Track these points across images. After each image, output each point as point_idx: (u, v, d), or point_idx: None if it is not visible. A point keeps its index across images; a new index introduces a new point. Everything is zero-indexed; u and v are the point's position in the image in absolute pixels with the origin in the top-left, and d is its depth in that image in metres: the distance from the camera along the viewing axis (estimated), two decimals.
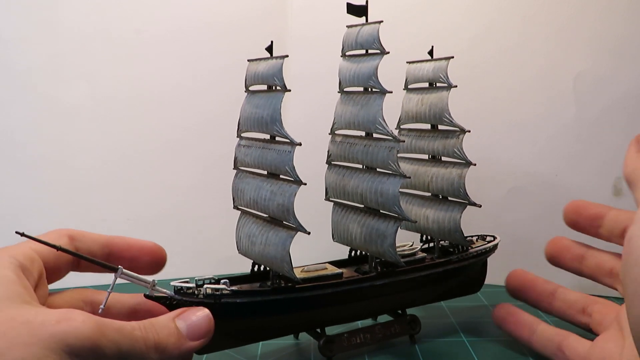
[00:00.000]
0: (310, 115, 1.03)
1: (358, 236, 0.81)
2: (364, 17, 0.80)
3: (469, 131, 0.86)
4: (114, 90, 1.06)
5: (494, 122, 1.10)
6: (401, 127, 0.95)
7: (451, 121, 0.87)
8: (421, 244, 0.93)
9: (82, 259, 0.59)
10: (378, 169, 0.79)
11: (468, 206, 0.87)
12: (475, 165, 0.86)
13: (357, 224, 0.81)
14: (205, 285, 0.67)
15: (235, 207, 0.79)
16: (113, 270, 0.59)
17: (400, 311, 0.83)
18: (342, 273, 0.78)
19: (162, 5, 1.06)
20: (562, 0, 1.07)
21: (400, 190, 0.93)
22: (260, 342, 0.81)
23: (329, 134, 0.84)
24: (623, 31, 1.07)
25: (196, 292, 0.67)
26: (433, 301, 0.89)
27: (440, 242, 0.91)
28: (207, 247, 1.10)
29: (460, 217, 0.86)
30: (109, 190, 1.08)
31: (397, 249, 0.83)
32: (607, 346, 0.68)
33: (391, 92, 0.75)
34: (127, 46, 1.05)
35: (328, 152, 0.85)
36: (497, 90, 1.10)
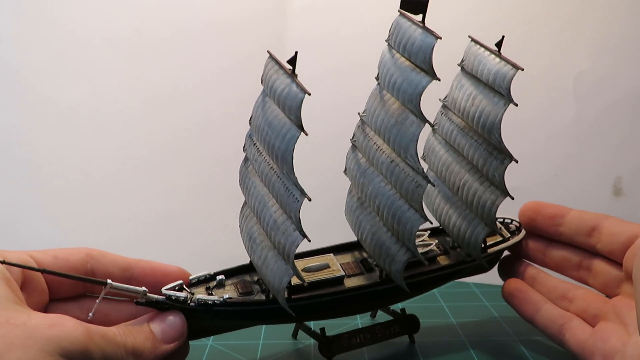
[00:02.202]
0: (311, 115, 1.02)
1: (368, 241, 0.78)
2: (421, 15, 0.70)
3: (517, 161, 0.76)
4: (114, 90, 1.06)
5: None
6: (445, 103, 0.86)
7: (499, 142, 0.76)
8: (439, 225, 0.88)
9: (66, 277, 0.59)
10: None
11: None
12: (513, 199, 0.78)
13: (369, 226, 0.77)
14: (196, 296, 0.65)
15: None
16: (101, 284, 0.60)
17: (399, 310, 0.82)
18: (343, 276, 0.76)
19: (162, 5, 1.05)
20: (562, 0, 1.07)
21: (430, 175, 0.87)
22: (260, 343, 0.82)
23: (358, 114, 0.79)
24: (624, 31, 1.07)
25: (187, 299, 0.65)
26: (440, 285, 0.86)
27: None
28: (207, 247, 1.09)
29: (483, 237, 0.80)
30: (109, 190, 1.08)
31: None
32: (609, 339, 0.68)
33: (431, 125, 0.69)
34: (127, 46, 1.05)
35: (354, 133, 0.80)
36: None
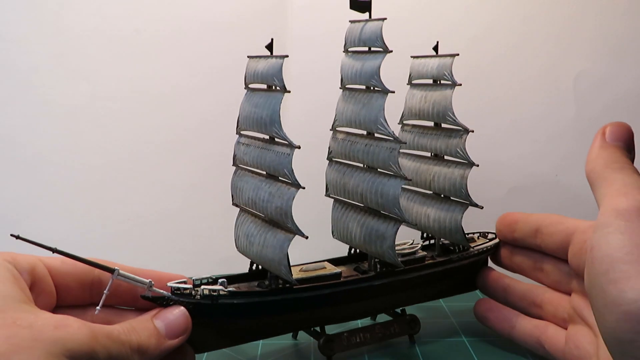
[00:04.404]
0: (311, 115, 1.02)
1: (358, 236, 0.80)
2: (367, 13, 0.79)
3: (472, 131, 0.85)
4: (114, 90, 1.06)
5: (494, 122, 1.10)
6: (404, 122, 0.93)
7: (454, 120, 0.86)
8: (422, 241, 0.92)
9: (76, 259, 0.59)
10: (379, 169, 0.78)
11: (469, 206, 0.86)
12: (477, 166, 0.85)
13: (356, 223, 0.80)
14: (202, 286, 0.67)
15: (235, 204, 0.79)
16: (109, 271, 0.60)
17: (399, 310, 0.83)
18: (340, 273, 0.78)
19: (162, 5, 1.06)
20: (562, 0, 1.07)
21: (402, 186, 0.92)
22: (260, 343, 0.81)
23: (330, 130, 0.84)
24: (623, 31, 1.07)
25: (193, 292, 0.66)
26: (433, 299, 0.89)
27: (441, 240, 0.90)
28: (206, 247, 1.10)
29: (462, 217, 0.85)
30: (109, 190, 1.08)
31: (397, 248, 0.82)
32: (582, 345, 0.68)
33: (393, 92, 0.75)
34: (127, 46, 1.05)
35: (329, 148, 0.84)
36: (497, 90, 1.10)
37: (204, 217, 1.10)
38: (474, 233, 0.95)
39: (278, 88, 0.72)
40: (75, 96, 1.05)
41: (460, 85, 0.86)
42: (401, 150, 0.93)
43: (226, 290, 0.68)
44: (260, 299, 0.70)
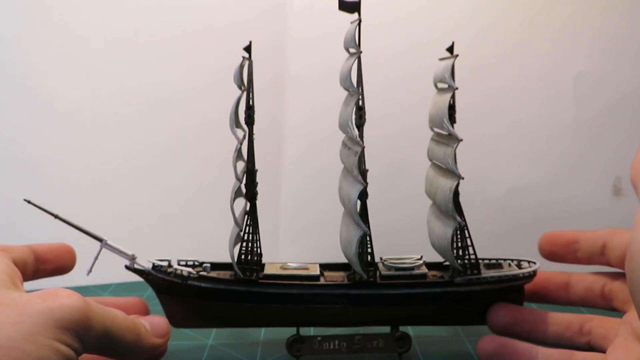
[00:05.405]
0: (311, 116, 1.03)
1: (342, 240, 0.78)
2: (356, 14, 0.78)
3: (461, 140, 0.79)
4: (114, 90, 1.06)
5: (493, 123, 1.10)
6: (433, 129, 0.88)
7: (448, 127, 0.80)
8: (444, 260, 0.83)
9: (75, 227, 0.67)
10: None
11: (465, 207, 0.83)
12: (463, 179, 0.78)
13: (344, 226, 0.79)
14: (175, 266, 0.73)
15: None
16: (99, 240, 0.67)
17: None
18: (318, 276, 0.76)
19: (162, 5, 1.06)
20: (562, 0, 1.07)
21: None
22: (260, 343, 0.82)
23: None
24: (623, 31, 1.07)
25: (169, 270, 0.73)
26: (435, 324, 0.81)
27: (458, 261, 0.79)
28: (207, 247, 1.09)
29: (452, 234, 0.78)
30: (109, 190, 1.08)
31: (395, 261, 0.79)
32: (631, 350, 0.65)
33: (360, 94, 0.75)
34: (127, 46, 1.05)
35: (340, 152, 0.84)
36: (497, 90, 1.09)
37: (205, 218, 1.10)
38: (506, 260, 0.83)
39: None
40: (76, 97, 1.05)
41: (457, 89, 0.82)
42: (433, 160, 0.88)
43: (196, 273, 0.73)
44: (225, 286, 0.74)
